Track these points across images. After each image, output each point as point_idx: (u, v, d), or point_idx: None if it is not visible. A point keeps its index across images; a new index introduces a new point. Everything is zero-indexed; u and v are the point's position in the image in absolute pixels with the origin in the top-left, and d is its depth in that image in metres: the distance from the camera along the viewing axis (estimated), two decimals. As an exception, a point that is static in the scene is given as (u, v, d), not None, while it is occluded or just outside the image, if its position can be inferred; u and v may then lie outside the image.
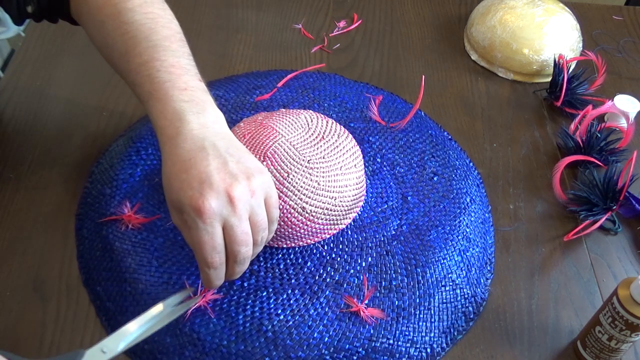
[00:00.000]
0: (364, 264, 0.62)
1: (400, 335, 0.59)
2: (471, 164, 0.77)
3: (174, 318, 0.53)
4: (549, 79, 0.88)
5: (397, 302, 0.60)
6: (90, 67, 0.85)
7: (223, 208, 0.48)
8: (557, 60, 0.85)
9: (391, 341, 0.58)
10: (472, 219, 0.69)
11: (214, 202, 0.47)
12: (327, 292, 0.60)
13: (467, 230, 0.67)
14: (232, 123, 0.73)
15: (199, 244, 0.49)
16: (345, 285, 0.61)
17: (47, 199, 0.69)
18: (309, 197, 0.59)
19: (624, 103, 0.83)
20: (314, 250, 0.62)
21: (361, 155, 0.65)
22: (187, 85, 0.54)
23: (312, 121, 0.63)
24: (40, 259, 0.64)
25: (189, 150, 0.50)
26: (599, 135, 0.78)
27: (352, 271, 0.62)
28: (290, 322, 0.58)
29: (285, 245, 0.62)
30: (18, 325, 0.59)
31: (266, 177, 0.52)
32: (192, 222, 0.48)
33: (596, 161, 0.77)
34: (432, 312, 0.61)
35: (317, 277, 0.61)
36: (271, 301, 0.59)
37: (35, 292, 0.61)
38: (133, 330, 0.50)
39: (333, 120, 0.65)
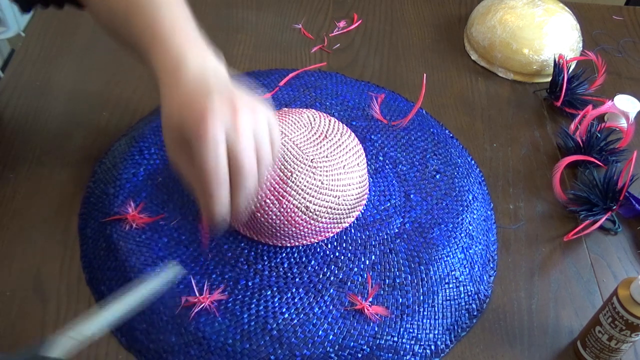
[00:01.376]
0: (367, 262, 0.62)
1: (405, 333, 0.59)
2: (473, 162, 0.77)
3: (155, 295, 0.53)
4: (549, 79, 0.88)
5: (401, 299, 0.60)
6: (91, 67, 0.85)
7: (228, 128, 0.48)
8: (557, 60, 0.85)
9: (395, 338, 0.59)
10: (475, 216, 0.69)
11: (219, 123, 0.47)
12: (331, 290, 0.60)
13: (470, 227, 0.67)
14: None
15: (202, 160, 0.48)
16: (349, 283, 0.61)
17: (47, 198, 0.69)
18: (313, 196, 0.59)
19: (624, 103, 0.83)
20: (318, 249, 0.63)
21: (364, 154, 0.65)
22: (189, 36, 0.54)
23: (314, 120, 0.63)
24: (40, 259, 0.64)
25: (192, 80, 0.50)
26: (599, 135, 0.78)
27: (355, 269, 0.62)
28: (295, 321, 0.58)
29: (289, 244, 0.63)
30: (18, 325, 0.59)
31: (267, 108, 0.52)
32: (195, 138, 0.48)
33: (596, 161, 0.77)
34: (436, 309, 0.61)
35: (321, 276, 0.61)
36: (275, 300, 0.59)
37: (35, 292, 0.61)
38: (105, 315, 0.49)
39: (336, 119, 0.65)
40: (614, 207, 0.72)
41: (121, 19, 0.59)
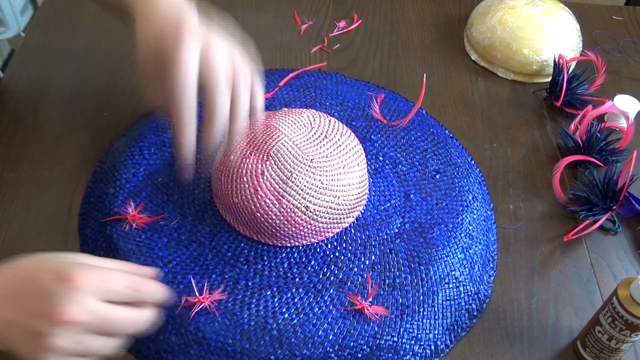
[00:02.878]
0: (367, 262, 0.62)
1: (405, 333, 0.59)
2: (472, 162, 0.77)
3: None
4: (549, 79, 0.88)
5: (401, 299, 0.60)
6: (91, 67, 0.85)
7: (202, 40, 0.50)
8: (557, 60, 0.85)
9: (395, 338, 0.59)
10: (475, 216, 0.69)
11: (194, 39, 0.49)
12: (331, 290, 0.60)
13: (470, 227, 0.67)
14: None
15: (173, 83, 0.49)
16: (349, 283, 0.61)
17: (47, 199, 0.69)
18: (313, 196, 0.59)
19: (624, 103, 0.83)
20: (318, 249, 0.63)
21: (364, 154, 0.65)
22: None
23: (314, 120, 0.63)
24: (40, 259, 0.64)
25: (169, 7, 0.52)
26: (599, 135, 0.78)
27: (355, 269, 0.62)
28: (295, 321, 0.58)
29: (288, 244, 0.63)
30: (18, 325, 0.59)
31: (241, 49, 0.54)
32: (169, 63, 0.49)
33: (596, 161, 0.77)
34: (436, 309, 0.61)
35: (321, 276, 0.61)
36: (275, 300, 0.59)
37: (35, 292, 0.61)
38: None
39: (335, 119, 0.65)
40: (614, 207, 0.72)
41: None
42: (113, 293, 0.45)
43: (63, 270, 0.43)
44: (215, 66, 0.51)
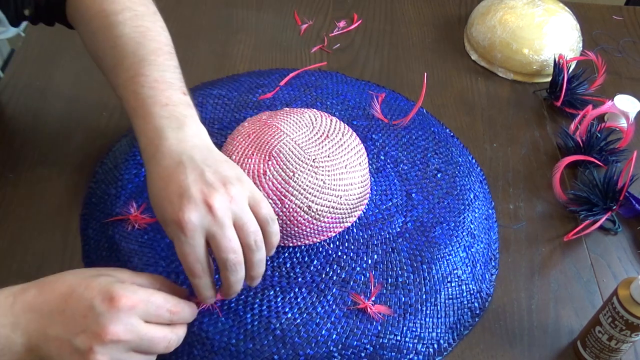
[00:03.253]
0: (370, 261, 0.62)
1: (408, 332, 0.59)
2: (474, 161, 0.77)
3: None
4: (549, 79, 0.88)
5: (403, 298, 0.60)
6: (90, 67, 0.84)
7: (203, 219, 0.48)
8: (557, 60, 0.85)
9: (398, 337, 0.59)
10: (476, 215, 0.69)
11: (194, 215, 0.48)
12: (334, 289, 0.60)
13: (472, 226, 0.67)
14: (235, 122, 0.73)
15: (183, 256, 0.49)
16: (351, 282, 0.61)
17: (47, 199, 0.69)
18: (315, 196, 0.59)
19: (624, 103, 0.83)
20: (320, 249, 0.63)
21: (365, 153, 0.65)
22: (169, 101, 0.54)
23: (316, 120, 0.63)
24: (40, 259, 0.64)
25: (167, 166, 0.50)
26: (599, 135, 0.79)
27: (358, 269, 0.62)
28: (298, 320, 0.58)
29: (291, 244, 0.63)
30: (18, 326, 0.59)
31: (245, 182, 0.52)
32: (175, 236, 0.49)
33: (596, 161, 0.77)
34: (439, 308, 0.61)
35: (323, 275, 0.61)
36: (278, 300, 0.59)
37: (35, 292, 0.61)
38: None
39: (337, 119, 0.65)
40: (614, 207, 0.72)
41: (108, 66, 0.59)
42: (153, 315, 0.47)
43: (108, 290, 0.46)
44: (222, 245, 0.48)
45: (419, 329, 0.60)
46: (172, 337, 0.49)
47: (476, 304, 0.64)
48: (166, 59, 0.58)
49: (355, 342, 0.57)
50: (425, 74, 0.76)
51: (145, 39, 0.58)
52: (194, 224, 0.47)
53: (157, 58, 0.57)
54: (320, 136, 0.62)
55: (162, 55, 0.58)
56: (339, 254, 0.63)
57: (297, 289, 0.60)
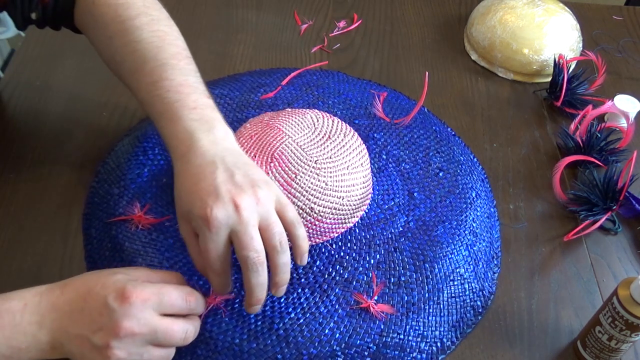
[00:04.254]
0: (372, 261, 0.63)
1: (411, 330, 0.59)
2: (475, 160, 0.77)
3: None
4: (549, 79, 0.88)
5: (406, 297, 0.61)
6: (91, 67, 0.85)
7: (229, 217, 0.50)
8: (557, 60, 0.85)
9: (402, 336, 0.59)
10: (478, 213, 0.69)
11: (221, 212, 0.49)
12: (337, 289, 0.60)
13: (474, 225, 0.67)
14: (237, 122, 0.73)
15: (206, 252, 0.51)
16: (354, 282, 0.61)
17: (47, 199, 0.69)
18: (317, 198, 0.59)
19: (624, 103, 0.83)
20: (323, 249, 0.63)
21: (367, 154, 0.65)
22: (197, 104, 0.55)
23: (318, 121, 0.63)
24: (40, 259, 0.64)
25: (199, 165, 0.52)
26: (599, 135, 0.79)
27: (360, 269, 0.62)
28: (301, 320, 0.58)
29: (294, 245, 0.63)
30: (18, 326, 0.59)
31: (272, 186, 0.53)
32: (200, 230, 0.51)
33: (596, 161, 0.77)
34: (441, 306, 0.61)
35: (326, 276, 0.61)
36: (282, 300, 0.59)
37: (35, 292, 0.61)
38: None
39: (339, 120, 0.65)
40: (614, 207, 0.72)
41: (128, 71, 0.60)
42: (167, 306, 0.49)
43: (120, 288, 0.48)
44: (244, 242, 0.50)
45: (422, 328, 0.60)
46: (189, 327, 0.50)
47: (479, 302, 0.64)
48: (187, 63, 0.59)
49: (359, 341, 0.58)
50: (427, 73, 0.76)
51: (165, 42, 0.59)
52: (220, 221, 0.49)
53: (179, 62, 0.58)
54: (322, 137, 0.62)
55: (182, 59, 0.59)
56: (342, 254, 0.63)
57: (300, 290, 0.60)
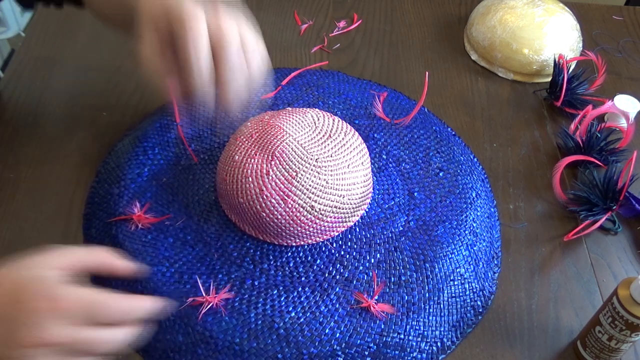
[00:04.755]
0: (372, 260, 0.63)
1: (411, 330, 0.59)
2: (475, 160, 0.78)
3: None
4: (549, 79, 0.88)
5: (406, 297, 0.61)
6: (91, 67, 0.85)
7: (211, 19, 0.52)
8: (557, 60, 0.85)
9: (402, 336, 0.59)
10: (479, 213, 0.69)
11: (202, 9, 0.51)
12: (337, 288, 0.60)
13: (474, 224, 0.68)
14: (238, 122, 0.73)
15: (186, 48, 0.51)
16: (354, 281, 0.61)
17: (47, 199, 0.69)
18: (318, 196, 0.59)
19: (624, 103, 0.83)
20: (323, 248, 0.63)
21: (368, 153, 0.65)
22: None
23: (318, 120, 0.64)
24: (41, 259, 0.64)
25: None
26: (599, 135, 0.79)
27: (361, 268, 0.62)
28: (302, 319, 0.58)
29: (294, 244, 0.63)
30: (19, 326, 0.59)
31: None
32: (180, 29, 0.51)
33: (596, 161, 0.77)
34: (442, 306, 0.61)
35: (326, 275, 0.61)
36: (282, 299, 0.59)
37: (36, 292, 0.61)
38: None
39: (339, 119, 0.65)
40: (614, 207, 0.72)
41: None
42: (97, 316, 0.45)
43: (46, 293, 0.44)
44: (225, 33, 0.52)
45: (422, 328, 0.60)
46: (118, 337, 0.46)
47: (479, 302, 0.64)
48: None
49: (359, 341, 0.58)
50: (427, 72, 0.76)
51: None
52: (204, 23, 0.52)
53: None
54: (323, 136, 0.62)
55: None
56: (342, 253, 0.63)
57: (300, 288, 0.60)
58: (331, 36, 0.94)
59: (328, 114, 0.65)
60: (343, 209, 0.62)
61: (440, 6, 1.03)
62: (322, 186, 0.59)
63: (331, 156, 0.61)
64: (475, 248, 0.66)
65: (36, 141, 0.75)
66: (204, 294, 0.58)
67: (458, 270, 0.64)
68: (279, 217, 0.59)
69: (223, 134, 0.72)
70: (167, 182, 0.67)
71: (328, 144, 0.61)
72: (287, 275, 0.61)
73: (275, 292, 0.60)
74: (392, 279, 0.62)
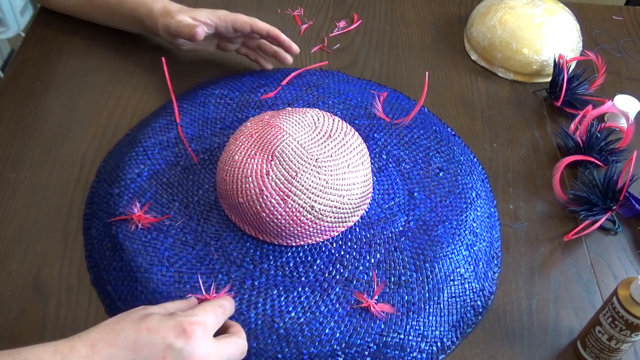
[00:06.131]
0: (372, 260, 0.63)
1: (411, 330, 0.59)
2: (475, 160, 0.78)
3: None
4: (549, 79, 0.88)
5: (406, 297, 0.61)
6: (91, 67, 0.85)
7: None
8: (557, 60, 0.85)
9: (402, 336, 0.59)
10: (479, 213, 0.69)
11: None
12: (337, 288, 0.60)
13: (474, 224, 0.68)
14: (238, 122, 0.73)
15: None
16: (354, 281, 0.61)
17: (47, 198, 0.69)
18: (318, 196, 0.59)
19: (624, 103, 0.83)
20: (323, 248, 0.63)
21: (368, 153, 0.65)
22: None
23: (318, 120, 0.64)
24: (40, 259, 0.64)
25: None
26: (599, 135, 0.79)
27: (361, 268, 0.62)
28: (302, 319, 0.58)
29: (294, 244, 0.63)
30: (18, 325, 0.59)
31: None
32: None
33: (596, 161, 0.77)
34: (442, 306, 0.61)
35: (326, 275, 0.61)
36: (282, 299, 0.59)
37: (35, 292, 0.61)
38: None
39: (339, 119, 0.65)
40: (614, 207, 0.72)
41: None
42: (214, 325, 0.51)
43: (177, 325, 0.48)
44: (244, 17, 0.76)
45: (422, 328, 0.60)
46: (242, 342, 0.53)
47: (479, 302, 0.64)
48: None
49: (359, 341, 0.58)
50: (427, 72, 0.76)
51: None
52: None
53: None
54: (323, 136, 0.62)
55: None
56: (342, 253, 0.63)
57: (300, 288, 0.60)
58: (331, 36, 0.94)
59: (328, 114, 0.65)
60: (343, 209, 0.62)
61: (440, 6, 1.03)
62: (322, 186, 0.59)
63: (331, 156, 0.61)
64: (475, 248, 0.66)
65: (36, 141, 0.75)
66: (204, 294, 0.58)
67: (458, 270, 0.64)
68: (279, 217, 0.59)
69: (223, 134, 0.72)
70: (167, 182, 0.67)
71: (328, 144, 0.61)
72: (287, 275, 0.61)
73: (275, 292, 0.60)
74: (392, 279, 0.62)
